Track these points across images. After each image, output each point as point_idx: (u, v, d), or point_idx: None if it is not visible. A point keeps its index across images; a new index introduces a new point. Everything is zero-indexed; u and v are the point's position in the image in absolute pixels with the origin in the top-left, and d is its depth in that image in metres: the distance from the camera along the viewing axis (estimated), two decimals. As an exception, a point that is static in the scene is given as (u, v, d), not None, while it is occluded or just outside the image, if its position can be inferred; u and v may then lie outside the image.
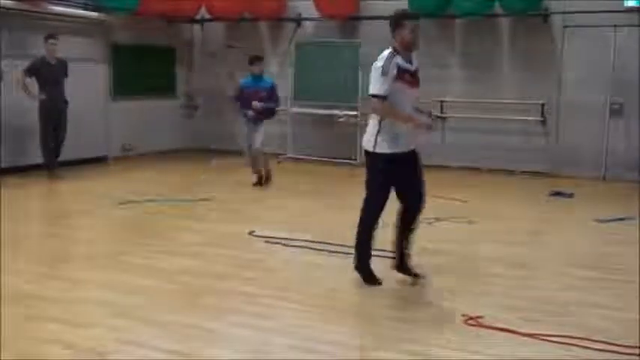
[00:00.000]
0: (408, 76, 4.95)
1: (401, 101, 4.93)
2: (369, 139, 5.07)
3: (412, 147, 5.15)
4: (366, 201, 5.28)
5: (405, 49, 4.94)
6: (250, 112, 9.22)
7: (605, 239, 6.78)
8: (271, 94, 9.42)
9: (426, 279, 5.32)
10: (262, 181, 9.53)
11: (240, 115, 9.68)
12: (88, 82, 11.07)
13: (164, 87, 13.04)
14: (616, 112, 10.33)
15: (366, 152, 5.14)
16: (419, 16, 5.08)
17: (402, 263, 5.30)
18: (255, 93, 9.27)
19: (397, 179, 5.13)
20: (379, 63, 4.86)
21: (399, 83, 4.88)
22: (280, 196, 8.88)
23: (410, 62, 5.00)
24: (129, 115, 11.95)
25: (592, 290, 5.12)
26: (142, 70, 12.23)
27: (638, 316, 4.56)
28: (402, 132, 5.00)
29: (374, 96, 4.88)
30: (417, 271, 5.30)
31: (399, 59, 4.89)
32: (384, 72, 4.82)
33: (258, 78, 9.40)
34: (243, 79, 9.67)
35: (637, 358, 3.89)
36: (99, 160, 11.35)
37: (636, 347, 3.99)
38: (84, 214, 7.48)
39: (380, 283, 5.11)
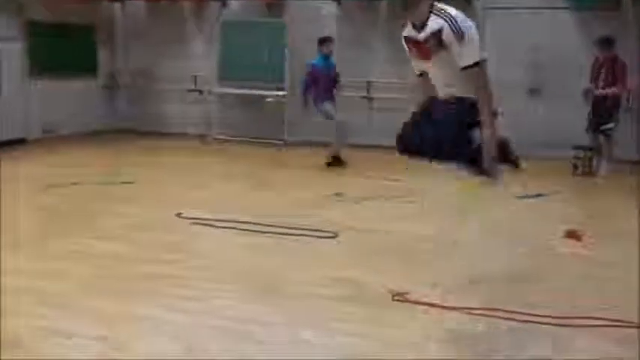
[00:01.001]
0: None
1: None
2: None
3: None
4: None
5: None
6: (326, 106, 9.64)
7: (525, 214, 7.02)
8: (335, 76, 9.89)
9: (353, 257, 5.40)
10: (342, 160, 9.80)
11: (316, 100, 9.71)
12: (3, 61, 10.63)
13: (85, 66, 12.63)
14: (535, 92, 10.68)
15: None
16: None
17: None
18: (326, 74, 9.65)
19: None
20: (465, 20, 3.87)
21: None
22: (207, 178, 8.80)
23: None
24: (48, 95, 11.54)
25: (515, 263, 5.31)
26: (61, 48, 11.80)
27: (558, 284, 4.77)
28: None
29: (477, 64, 3.85)
30: None
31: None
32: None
33: (327, 58, 9.73)
34: (312, 60, 9.82)
35: (555, 327, 4.06)
36: (18, 142, 10.93)
37: (557, 317, 4.16)
38: (4, 198, 7.21)
39: None
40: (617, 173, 9.16)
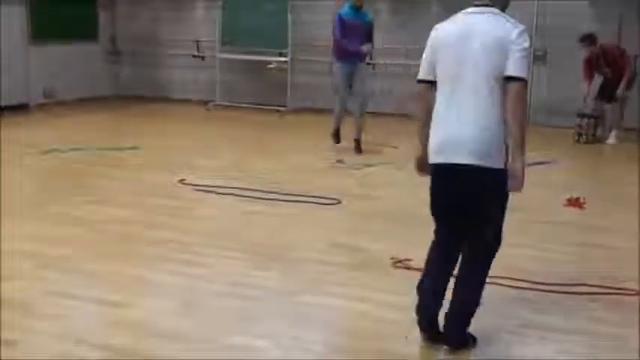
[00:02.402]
0: None
1: None
2: (499, 149, 3.24)
3: None
4: (493, 247, 3.58)
5: None
6: (365, 48, 7.91)
7: (528, 182, 7.00)
8: (370, 35, 8.25)
9: (355, 224, 5.41)
10: (360, 145, 8.29)
11: (338, 56, 8.17)
12: (3, 25, 10.53)
13: (86, 31, 12.51)
14: (540, 58, 10.57)
15: (490, 170, 3.24)
16: None
17: None
18: (357, 27, 7.97)
19: None
20: (525, 41, 3.20)
21: None
22: (210, 144, 8.79)
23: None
24: (50, 60, 11.46)
25: (516, 231, 5.30)
26: (62, 13, 11.68)
27: (561, 257, 4.79)
28: None
29: (521, 79, 3.15)
30: None
31: None
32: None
33: (358, 10, 8.07)
34: (340, 10, 8.19)
35: (556, 294, 4.08)
36: (19, 108, 10.89)
37: (556, 285, 4.18)
38: (5, 163, 7.21)
39: None
40: (622, 141, 9.12)
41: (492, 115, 3.20)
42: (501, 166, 3.26)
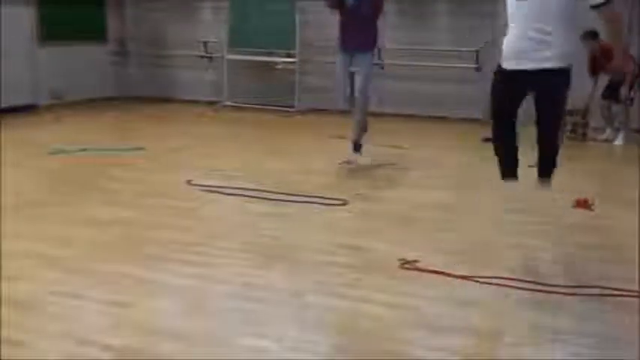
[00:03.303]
0: None
1: None
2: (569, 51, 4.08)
3: None
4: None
5: None
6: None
7: (535, 184, 6.95)
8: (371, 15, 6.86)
9: (362, 224, 5.39)
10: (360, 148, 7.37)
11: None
12: (12, 26, 10.57)
13: (94, 32, 12.55)
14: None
15: (561, 70, 4.12)
16: None
17: None
18: (351, 9, 6.79)
19: None
20: None
21: None
22: (218, 145, 8.78)
23: None
24: (58, 61, 11.49)
25: (523, 233, 5.28)
26: (70, 14, 11.72)
27: (570, 258, 4.75)
28: None
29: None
30: None
31: None
32: None
33: None
34: None
35: (567, 296, 4.04)
36: (27, 109, 10.92)
37: (566, 286, 4.14)
38: (12, 164, 7.22)
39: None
40: (630, 142, 9.07)
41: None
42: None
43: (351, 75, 7.01)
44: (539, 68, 4.08)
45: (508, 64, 4.36)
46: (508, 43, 4.35)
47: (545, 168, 4.44)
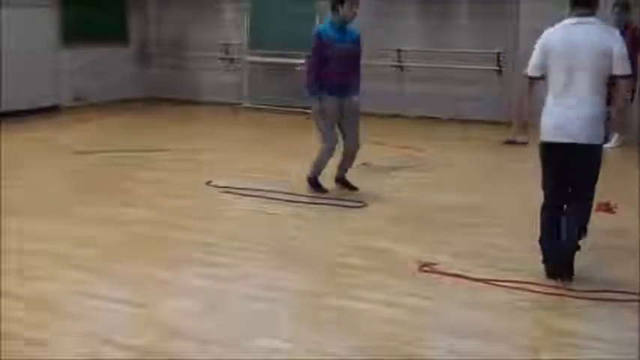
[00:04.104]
0: None
1: None
2: (600, 127, 4.31)
3: None
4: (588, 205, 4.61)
5: None
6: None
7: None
8: (358, 53, 6.36)
9: (381, 227, 5.39)
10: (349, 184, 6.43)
11: (315, 90, 6.28)
12: (35, 28, 10.69)
13: (116, 34, 12.65)
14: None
15: (592, 147, 4.29)
16: None
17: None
18: (340, 50, 6.16)
19: None
20: (623, 46, 4.25)
21: None
22: (237, 147, 8.81)
23: None
24: (80, 63, 11.59)
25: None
26: (92, 16, 11.82)
27: (587, 262, 4.71)
28: None
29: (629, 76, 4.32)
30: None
31: None
32: None
33: (342, 26, 6.23)
34: (320, 25, 6.80)
35: (584, 300, 4.01)
36: (50, 110, 11.04)
37: (586, 291, 4.11)
38: (35, 165, 7.32)
39: None
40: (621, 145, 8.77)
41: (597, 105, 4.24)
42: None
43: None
44: None
45: None
46: None
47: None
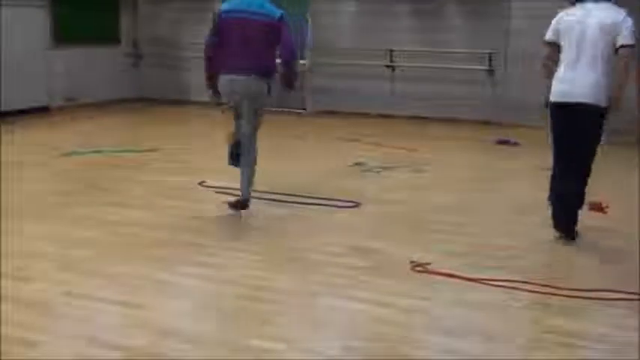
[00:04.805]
0: None
1: None
2: (605, 92, 4.82)
3: None
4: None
5: None
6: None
7: (547, 186, 6.94)
8: (278, 35, 5.40)
9: (374, 227, 5.39)
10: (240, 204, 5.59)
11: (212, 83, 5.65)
12: (26, 28, 10.64)
13: (108, 34, 12.61)
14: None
15: (596, 108, 4.81)
16: None
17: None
18: (245, 23, 5.36)
19: None
20: (629, 21, 4.78)
21: None
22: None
23: None
24: (71, 63, 11.55)
25: (534, 235, 5.26)
26: (84, 15, 11.78)
27: (579, 261, 4.73)
28: None
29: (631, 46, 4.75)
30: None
31: None
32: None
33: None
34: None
35: (578, 300, 4.03)
36: (41, 111, 10.99)
37: (578, 290, 4.13)
38: (26, 165, 7.28)
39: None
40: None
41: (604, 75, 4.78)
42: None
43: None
44: None
45: None
46: None
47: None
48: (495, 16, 10.71)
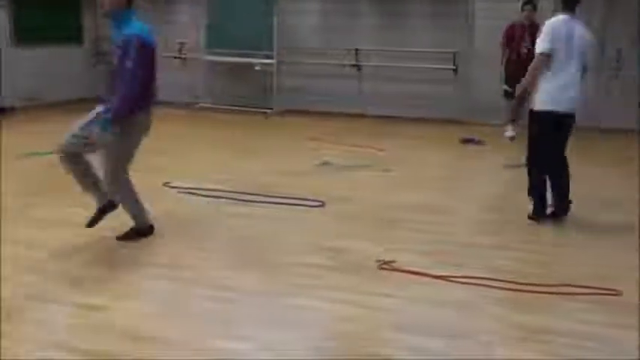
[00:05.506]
0: None
1: None
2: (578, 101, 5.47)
3: None
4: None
5: None
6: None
7: (512, 183, 7.02)
8: (124, 57, 4.99)
9: (339, 226, 5.39)
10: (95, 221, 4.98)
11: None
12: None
13: (70, 33, 12.42)
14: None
15: (574, 115, 5.47)
16: None
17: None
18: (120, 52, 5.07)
19: None
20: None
21: None
22: (194, 147, 8.72)
23: None
24: (33, 62, 11.35)
25: (499, 233, 5.31)
26: (45, 15, 11.59)
27: (544, 257, 4.79)
28: None
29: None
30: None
31: None
32: None
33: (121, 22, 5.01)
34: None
35: (543, 295, 4.07)
36: (2, 111, 10.76)
37: (539, 285, 4.18)
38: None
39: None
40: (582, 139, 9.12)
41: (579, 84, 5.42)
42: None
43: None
44: None
45: None
46: None
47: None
48: (459, 16, 10.80)
